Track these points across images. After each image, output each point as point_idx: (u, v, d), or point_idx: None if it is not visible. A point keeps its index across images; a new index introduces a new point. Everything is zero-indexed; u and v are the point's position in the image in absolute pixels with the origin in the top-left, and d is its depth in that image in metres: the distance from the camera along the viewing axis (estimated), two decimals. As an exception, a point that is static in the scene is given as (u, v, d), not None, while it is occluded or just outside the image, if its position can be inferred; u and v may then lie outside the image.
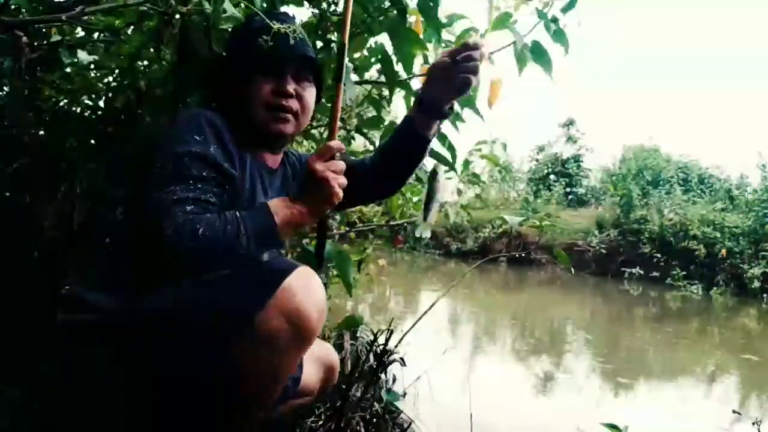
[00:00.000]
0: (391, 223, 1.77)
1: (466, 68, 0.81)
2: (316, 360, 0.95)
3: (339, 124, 0.79)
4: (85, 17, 1.05)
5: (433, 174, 0.89)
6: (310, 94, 0.86)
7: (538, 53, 1.17)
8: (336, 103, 0.78)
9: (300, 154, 1.00)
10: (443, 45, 1.25)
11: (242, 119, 0.82)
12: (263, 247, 0.71)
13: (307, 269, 0.70)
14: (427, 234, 0.87)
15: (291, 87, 0.83)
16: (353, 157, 1.07)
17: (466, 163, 1.57)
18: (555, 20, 1.18)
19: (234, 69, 0.84)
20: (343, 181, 0.74)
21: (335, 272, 1.19)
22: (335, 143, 0.74)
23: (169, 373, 0.69)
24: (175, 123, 0.76)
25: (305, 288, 0.68)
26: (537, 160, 12.66)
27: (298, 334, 0.67)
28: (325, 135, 1.47)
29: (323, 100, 1.03)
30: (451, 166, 1.35)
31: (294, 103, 0.84)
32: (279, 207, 0.72)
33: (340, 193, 0.74)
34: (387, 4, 1.15)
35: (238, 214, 0.69)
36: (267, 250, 0.72)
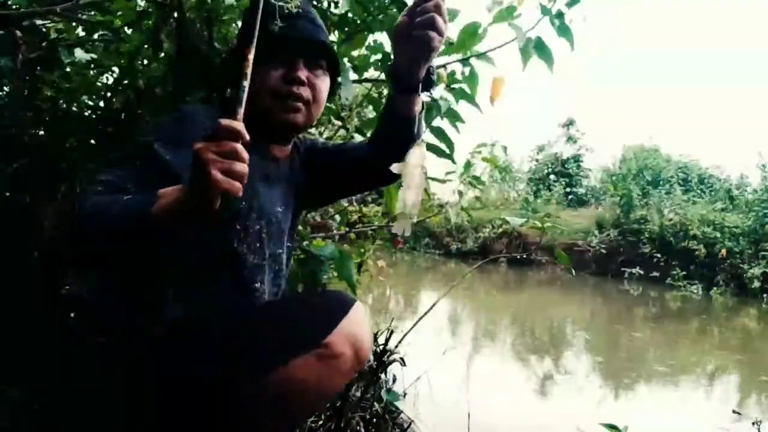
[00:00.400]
0: (392, 223, 1.77)
1: (422, 22, 0.72)
2: None
3: (245, 101, 0.61)
4: (81, 13, 1.05)
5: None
6: (323, 82, 0.80)
7: (540, 49, 1.17)
8: (244, 67, 0.61)
9: (312, 140, 0.93)
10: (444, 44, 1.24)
11: (248, 110, 0.75)
12: (136, 230, 0.62)
13: (359, 302, 0.76)
14: (407, 232, 0.72)
15: (303, 74, 0.77)
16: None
17: (468, 166, 1.56)
18: (561, 15, 1.16)
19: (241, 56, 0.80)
20: (234, 167, 0.58)
21: (335, 273, 1.19)
22: (227, 122, 0.58)
23: (221, 387, 0.68)
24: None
25: (362, 319, 0.75)
26: (537, 160, 12.66)
27: (357, 358, 0.73)
28: (325, 134, 1.47)
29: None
30: (450, 158, 1.34)
31: (305, 91, 0.78)
32: (168, 191, 0.62)
33: (224, 182, 0.57)
34: (387, 1, 1.15)
35: (129, 195, 0.65)
36: (144, 234, 0.62)
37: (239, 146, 0.59)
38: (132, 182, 0.68)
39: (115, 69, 1.36)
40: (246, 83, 0.61)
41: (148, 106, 1.24)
